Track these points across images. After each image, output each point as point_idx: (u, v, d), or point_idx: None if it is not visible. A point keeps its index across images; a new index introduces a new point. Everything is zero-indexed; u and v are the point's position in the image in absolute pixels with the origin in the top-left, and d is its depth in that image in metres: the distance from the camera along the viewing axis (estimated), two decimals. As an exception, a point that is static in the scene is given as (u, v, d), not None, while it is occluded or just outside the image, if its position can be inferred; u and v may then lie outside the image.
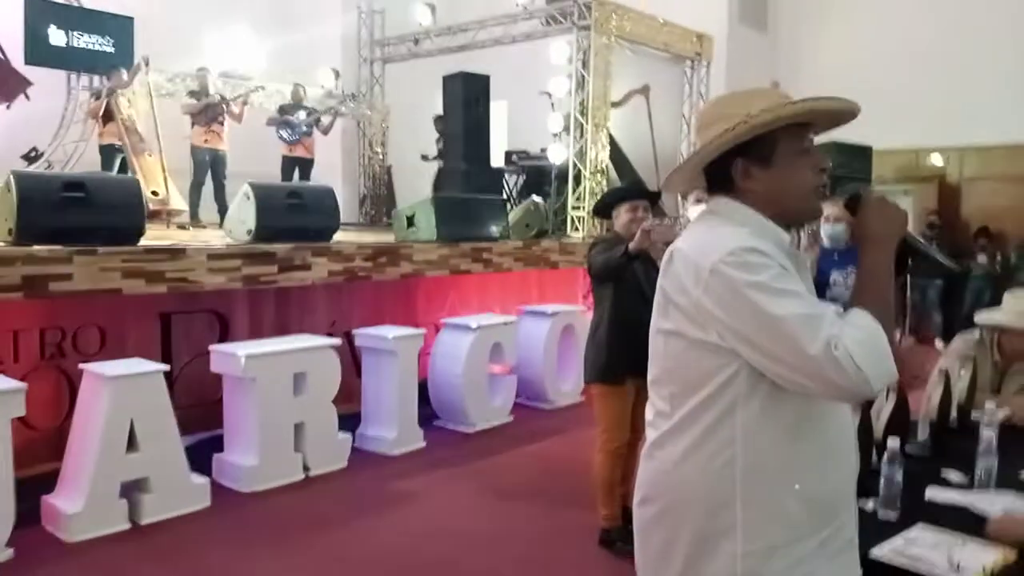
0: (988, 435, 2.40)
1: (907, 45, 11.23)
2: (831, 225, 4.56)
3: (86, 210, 4.45)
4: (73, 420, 4.21)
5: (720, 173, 1.60)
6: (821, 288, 4.36)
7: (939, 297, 10.36)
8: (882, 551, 2.01)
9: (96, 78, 8.86)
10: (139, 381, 4.13)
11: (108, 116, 8.04)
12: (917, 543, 2.06)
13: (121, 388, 4.03)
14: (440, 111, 10.05)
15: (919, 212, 11.06)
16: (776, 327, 1.40)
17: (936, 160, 11.70)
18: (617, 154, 9.98)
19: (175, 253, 4.72)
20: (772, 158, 1.55)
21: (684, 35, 10.61)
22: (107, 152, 8.12)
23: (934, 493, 2.43)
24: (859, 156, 9.76)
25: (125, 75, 8.09)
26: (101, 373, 4.07)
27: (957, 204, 11.53)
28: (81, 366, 4.26)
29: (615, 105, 9.85)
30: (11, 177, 4.41)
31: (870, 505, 2.28)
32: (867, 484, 2.33)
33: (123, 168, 8.02)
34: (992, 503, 2.27)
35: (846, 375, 1.35)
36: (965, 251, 10.61)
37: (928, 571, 1.92)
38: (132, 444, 4.08)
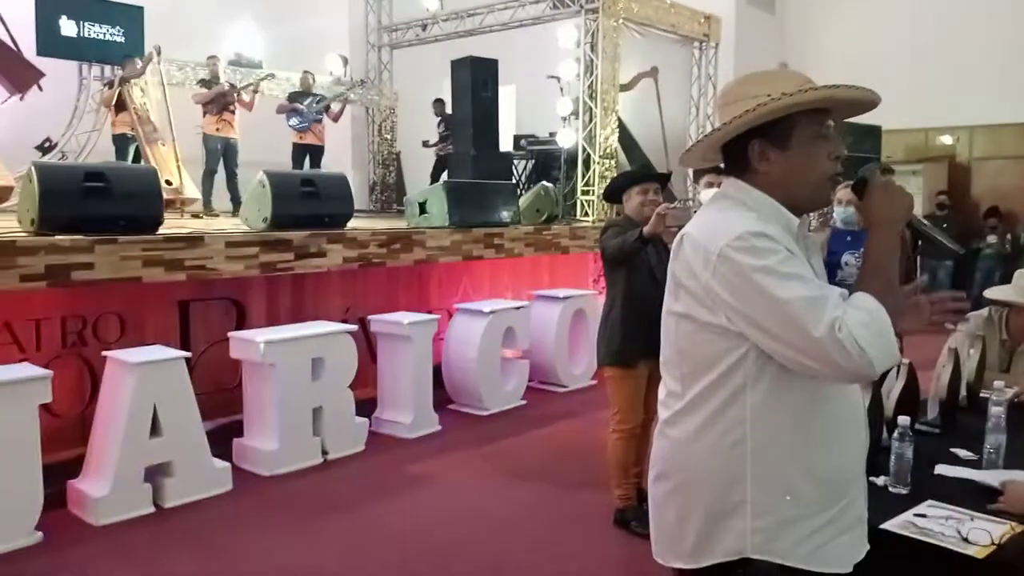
0: (996, 412, 2.45)
1: (916, 24, 11.20)
2: (844, 207, 4.59)
3: (106, 200, 4.53)
4: (97, 406, 4.30)
5: (737, 152, 1.62)
6: (832, 270, 4.39)
7: (949, 278, 10.37)
8: (892, 524, 2.07)
9: (108, 68, 8.91)
10: (162, 367, 4.21)
11: (121, 106, 8.12)
12: (927, 517, 2.12)
13: (144, 374, 4.11)
14: (439, 95, 10.08)
15: (929, 192, 11.06)
16: (782, 310, 1.43)
17: (946, 140, 11.68)
18: (626, 137, 10.01)
19: (193, 241, 4.79)
20: (789, 141, 1.57)
21: (692, 16, 10.60)
22: (120, 141, 8.20)
23: (944, 469, 2.48)
24: (868, 136, 9.79)
25: (138, 64, 8.15)
26: (125, 360, 4.15)
27: (967, 184, 11.52)
28: (105, 353, 4.35)
29: (624, 88, 9.87)
30: (33, 168, 4.48)
31: (881, 481, 2.34)
32: (878, 460, 2.40)
33: (137, 157, 8.11)
34: (999, 479, 2.33)
35: (850, 356, 1.39)
36: (975, 231, 10.62)
37: (938, 542, 1.98)
38: (155, 429, 4.17)
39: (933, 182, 11.22)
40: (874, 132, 9.92)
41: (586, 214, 9.23)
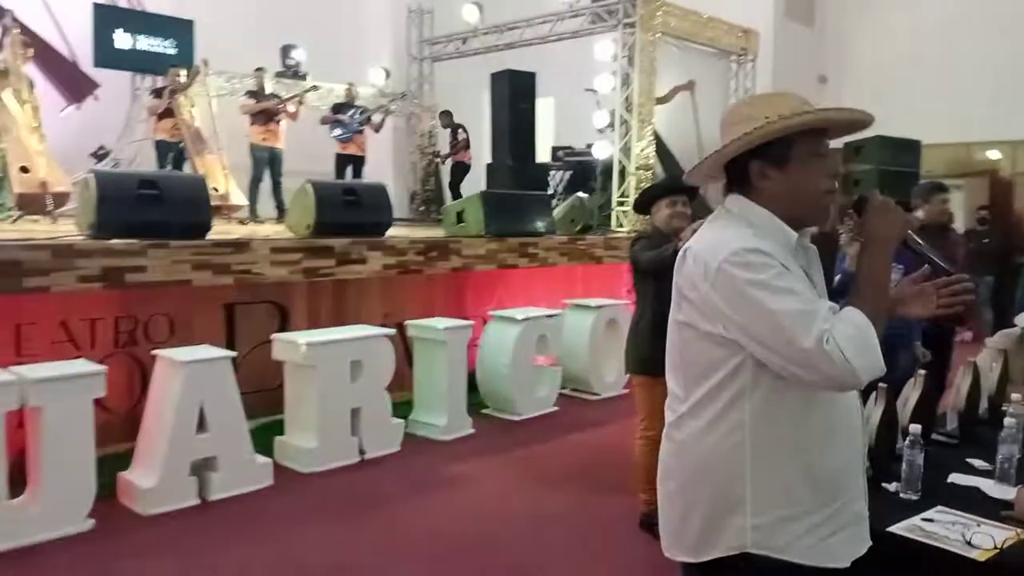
0: (1010, 423, 2.52)
1: (957, 37, 11.12)
2: None
3: (158, 206, 4.77)
4: (147, 402, 4.51)
5: (739, 171, 1.71)
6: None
7: (990, 294, 10.27)
8: (899, 527, 2.16)
9: (158, 79, 9.26)
10: (209, 366, 4.41)
11: (165, 113, 8.35)
12: (934, 522, 2.20)
13: (192, 373, 4.32)
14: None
15: (970, 207, 10.95)
16: (773, 321, 1.53)
17: (992, 155, 11.56)
18: (662, 150, 10.10)
19: (240, 247, 5.01)
20: (787, 160, 1.66)
21: (730, 30, 10.67)
22: (161, 147, 8.42)
23: (956, 478, 2.56)
24: (907, 150, 9.73)
25: (182, 76, 8.39)
26: (174, 359, 4.36)
27: (1010, 199, 11.39)
28: (155, 352, 4.56)
29: (660, 101, 9.97)
30: (91, 176, 4.74)
31: (893, 487, 2.43)
32: (892, 467, 2.49)
33: (176, 163, 8.36)
34: (1009, 492, 2.39)
35: (835, 367, 1.49)
36: (1018, 246, 10.49)
37: (941, 546, 2.06)
38: (202, 425, 4.37)
39: (974, 197, 11.11)
40: (913, 146, 9.87)
41: (621, 225, 9.33)
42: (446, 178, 11.16)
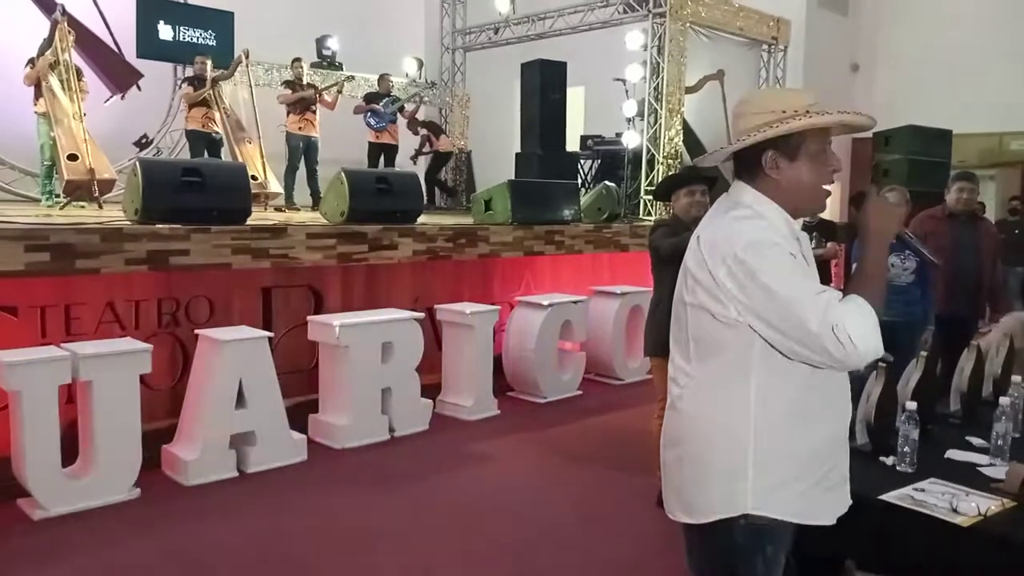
0: (1004, 402, 2.64)
1: (990, 26, 11.02)
2: None
3: (201, 193, 5.00)
4: (189, 379, 4.75)
5: (751, 160, 1.85)
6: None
7: (1020, 285, 10.21)
8: (891, 496, 2.30)
9: (188, 68, 9.44)
10: (248, 345, 4.64)
11: (198, 103, 8.47)
12: (925, 492, 2.34)
13: (232, 351, 4.55)
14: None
15: (1002, 198, 10.88)
16: (785, 307, 1.68)
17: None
18: (691, 139, 10.17)
19: (278, 232, 5.22)
20: (798, 154, 1.80)
21: (760, 19, 10.68)
22: (193, 137, 8.54)
23: (953, 454, 2.69)
24: (938, 140, 9.71)
25: (208, 65, 8.45)
26: (215, 338, 4.59)
27: (1042, 189, 11.29)
28: (197, 331, 4.80)
29: (689, 90, 10.03)
30: (137, 164, 4.98)
31: (890, 460, 2.57)
32: (890, 442, 2.62)
33: (213, 151, 8.53)
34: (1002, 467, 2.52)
35: (841, 348, 1.63)
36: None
37: (928, 512, 2.20)
38: (240, 401, 4.59)
39: (1006, 187, 11.04)
40: (945, 136, 9.83)
41: (649, 213, 9.44)
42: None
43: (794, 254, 1.74)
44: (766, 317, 1.71)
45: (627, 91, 9.96)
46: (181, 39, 9.49)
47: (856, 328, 1.63)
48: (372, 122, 9.72)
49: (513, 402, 6.30)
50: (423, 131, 10.64)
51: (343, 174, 5.86)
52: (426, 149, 10.83)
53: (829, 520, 1.87)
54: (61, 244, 4.35)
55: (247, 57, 8.53)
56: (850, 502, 1.93)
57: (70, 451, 4.17)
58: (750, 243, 1.72)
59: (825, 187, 1.85)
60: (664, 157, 9.42)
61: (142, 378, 4.36)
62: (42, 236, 4.31)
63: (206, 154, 8.39)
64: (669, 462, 1.96)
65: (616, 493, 4.46)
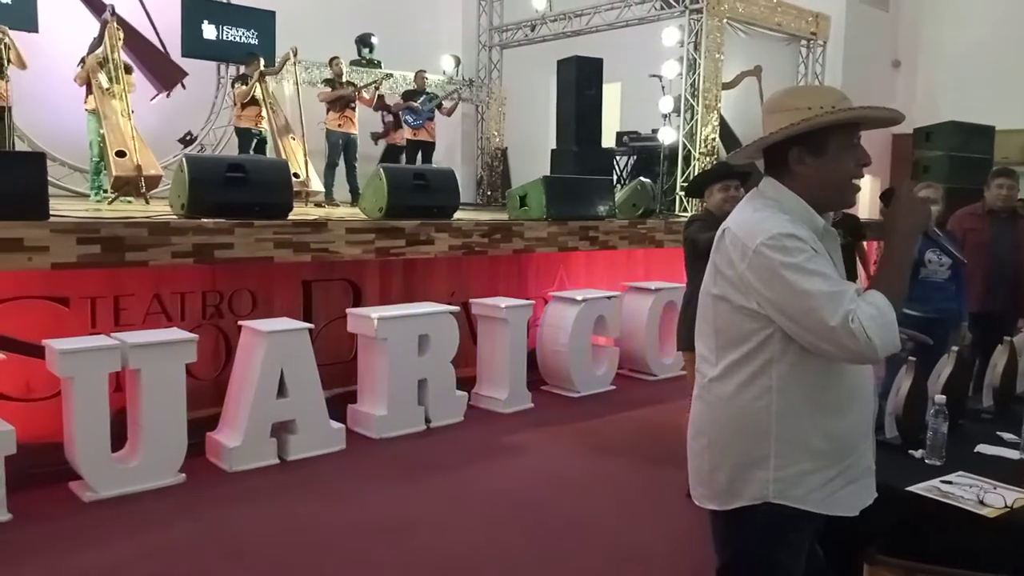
0: (1035, 397, 2.65)
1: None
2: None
3: (245, 188, 5.14)
4: (233, 368, 4.90)
5: (779, 155, 1.89)
6: (916, 267, 4.54)
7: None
8: (919, 487, 2.33)
9: (241, 67, 9.68)
10: (289, 336, 4.77)
11: (249, 102, 8.66)
12: (953, 484, 2.37)
13: (275, 342, 4.68)
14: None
15: (1047, 195, 10.67)
16: (805, 301, 1.72)
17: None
18: (728, 135, 10.13)
19: (318, 227, 5.34)
20: (825, 150, 1.83)
21: (799, 15, 10.60)
22: (243, 135, 8.76)
23: (983, 448, 2.70)
24: (980, 136, 9.58)
25: (262, 62, 8.71)
26: (258, 328, 4.73)
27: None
28: (240, 322, 4.94)
29: (726, 86, 9.99)
30: (184, 160, 5.13)
31: (919, 453, 2.59)
32: (919, 436, 2.65)
33: (259, 149, 8.71)
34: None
35: (858, 343, 1.67)
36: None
37: (955, 504, 2.23)
38: (282, 391, 4.73)
39: (1051, 184, 10.81)
40: (987, 133, 9.69)
41: (684, 209, 9.43)
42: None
43: (816, 249, 1.77)
44: (785, 310, 1.75)
45: (663, 87, 9.95)
46: (224, 38, 9.69)
47: (872, 323, 1.67)
48: (409, 119, 9.83)
49: (547, 396, 6.37)
50: (388, 117, 10.12)
51: (382, 171, 5.97)
52: (383, 136, 10.26)
53: (852, 512, 1.90)
54: (111, 237, 4.51)
55: (295, 55, 8.67)
56: (875, 495, 1.96)
57: (119, 437, 4.33)
58: (772, 237, 1.76)
59: (854, 182, 1.88)
60: (700, 153, 9.40)
61: (187, 368, 4.50)
62: (93, 229, 4.47)
63: (252, 152, 8.59)
64: (695, 450, 2.01)
65: (649, 486, 4.51)
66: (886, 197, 1.89)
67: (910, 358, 2.75)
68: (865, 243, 6.14)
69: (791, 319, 1.75)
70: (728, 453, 1.90)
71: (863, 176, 1.90)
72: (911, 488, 2.33)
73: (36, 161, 4.50)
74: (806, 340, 1.75)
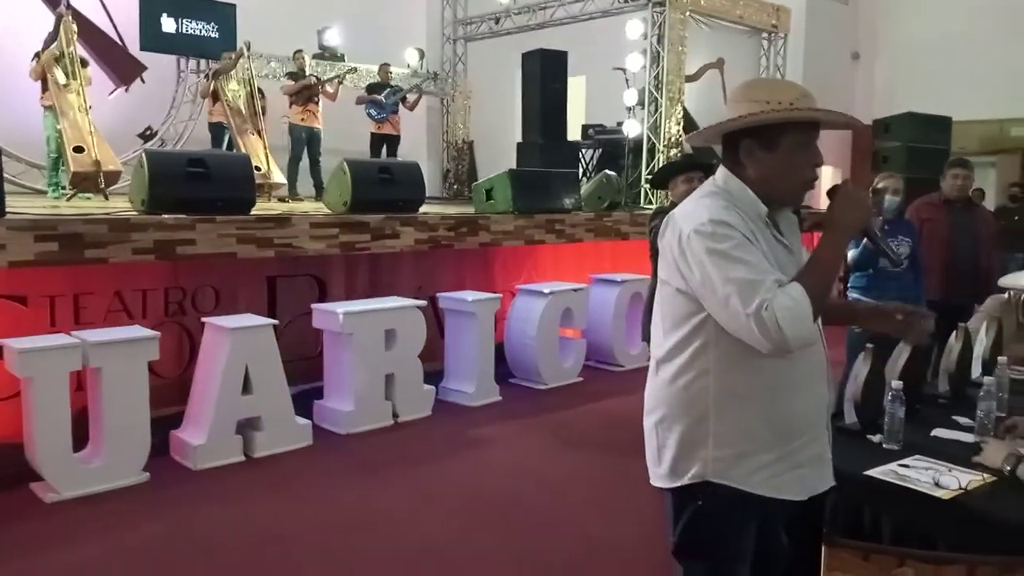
0: (988, 381, 2.72)
1: (990, 13, 11.02)
2: (890, 196, 4.80)
3: (206, 183, 5.08)
4: (196, 365, 4.85)
5: (732, 146, 1.91)
6: (874, 257, 4.61)
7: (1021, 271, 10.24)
8: (876, 471, 2.38)
9: (203, 61, 9.58)
10: (254, 333, 4.73)
11: (216, 97, 8.69)
12: (909, 467, 2.41)
13: (239, 338, 4.64)
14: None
15: (1003, 184, 10.92)
16: (724, 287, 1.74)
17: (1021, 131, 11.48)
18: (692, 127, 10.20)
19: (282, 222, 5.30)
20: (776, 146, 1.84)
21: (761, 8, 10.71)
22: (216, 130, 8.77)
23: (939, 432, 2.76)
24: (937, 127, 9.75)
25: (230, 59, 8.71)
26: (221, 325, 4.69)
27: (1042, 176, 11.31)
28: (204, 319, 4.89)
29: (690, 79, 10.08)
30: (143, 155, 5.06)
31: (877, 438, 2.65)
32: (877, 421, 2.70)
33: (231, 144, 8.67)
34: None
35: (768, 332, 1.69)
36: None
37: (911, 487, 2.28)
38: (247, 387, 4.69)
39: (1006, 174, 11.07)
40: (944, 124, 9.87)
41: (650, 202, 9.50)
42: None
43: (753, 238, 1.79)
44: (707, 295, 1.79)
45: (627, 80, 10.00)
46: (184, 31, 9.55)
47: (786, 314, 1.68)
48: (373, 113, 9.78)
49: (514, 388, 6.39)
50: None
51: (345, 164, 5.93)
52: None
53: (799, 496, 1.92)
54: (69, 234, 4.43)
55: (248, 49, 8.60)
56: (831, 483, 1.99)
57: (80, 437, 4.26)
58: (703, 223, 1.79)
59: (805, 180, 1.88)
60: (665, 146, 9.48)
61: (150, 366, 4.45)
62: (51, 227, 4.39)
63: (225, 147, 8.52)
64: (647, 429, 2.04)
65: (618, 477, 4.52)
66: (831, 193, 1.90)
67: (867, 346, 2.80)
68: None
69: (713, 303, 1.79)
70: (671, 433, 1.94)
71: (815, 176, 1.90)
72: (869, 472, 2.37)
73: (-11, 158, 4.40)
74: (726, 325, 1.78)
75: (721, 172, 1.95)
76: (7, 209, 4.41)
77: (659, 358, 1.98)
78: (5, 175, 4.65)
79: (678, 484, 1.94)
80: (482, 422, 5.54)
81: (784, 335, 1.69)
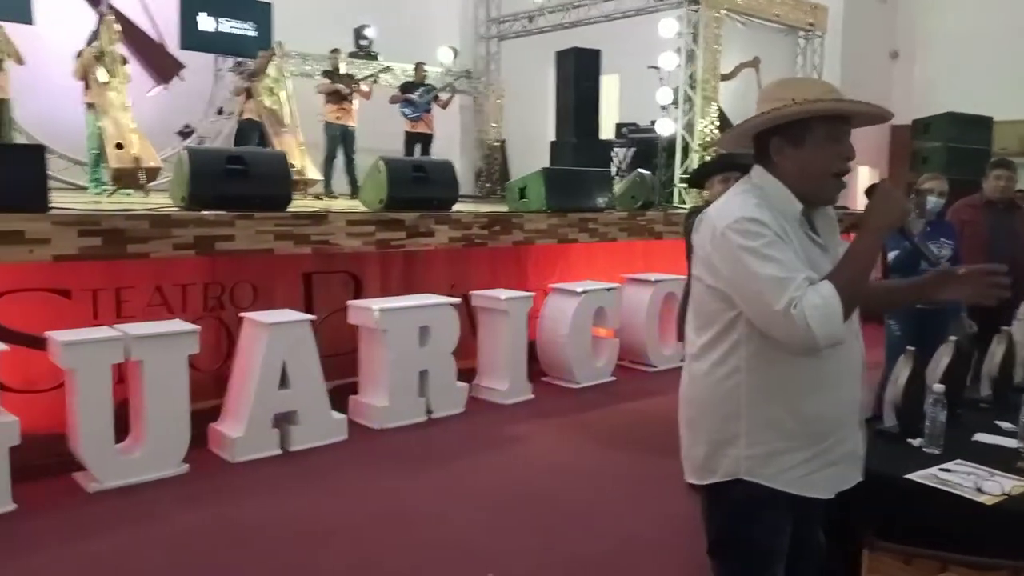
0: (1031, 386, 2.68)
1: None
2: (934, 199, 4.75)
3: (244, 180, 5.15)
4: (235, 359, 4.92)
5: (762, 144, 1.91)
6: (916, 259, 4.55)
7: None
8: (917, 475, 2.36)
9: (247, 61, 9.66)
10: (291, 328, 4.80)
11: (249, 95, 8.81)
12: (951, 472, 2.39)
13: (277, 333, 4.70)
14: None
15: (1045, 186, 10.69)
16: (754, 284, 1.75)
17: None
18: (726, 126, 10.12)
19: (319, 219, 5.36)
20: (804, 141, 1.84)
21: (797, 6, 10.59)
22: (248, 126, 8.89)
23: (981, 437, 2.73)
24: (978, 127, 9.61)
25: (263, 58, 8.79)
26: (260, 320, 4.76)
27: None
28: (242, 314, 4.96)
29: (725, 78, 9.99)
30: (184, 152, 5.14)
31: (917, 442, 2.62)
32: (918, 425, 2.68)
33: (261, 141, 8.77)
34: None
35: (797, 330, 1.70)
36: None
37: (953, 491, 2.26)
38: (284, 382, 4.75)
39: (1049, 175, 10.84)
40: (985, 123, 9.71)
41: (683, 201, 9.45)
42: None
43: (781, 235, 1.79)
44: (739, 291, 1.80)
45: (661, 79, 9.94)
46: (222, 30, 9.69)
47: (815, 312, 1.69)
48: (407, 112, 9.84)
49: (547, 387, 6.40)
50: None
51: (381, 163, 5.98)
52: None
53: (826, 494, 1.92)
54: (112, 229, 4.52)
55: (281, 48, 8.70)
56: (859, 478, 1.98)
57: (121, 428, 4.35)
58: (736, 220, 1.79)
59: (836, 175, 1.87)
60: (699, 145, 9.41)
61: (188, 360, 4.52)
62: (94, 222, 4.48)
63: (257, 145, 8.63)
64: (681, 426, 2.06)
65: (651, 475, 4.53)
66: (869, 192, 1.90)
67: (908, 348, 2.78)
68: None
69: (744, 300, 1.80)
70: (704, 430, 1.96)
71: (846, 170, 1.89)
72: (909, 476, 2.35)
73: (35, 153, 4.51)
74: (757, 322, 1.79)
75: (756, 170, 1.95)
76: (50, 204, 4.50)
77: (692, 355, 1.99)
78: (48, 171, 4.75)
79: (711, 481, 1.95)
80: (515, 419, 5.56)
81: (813, 333, 1.70)
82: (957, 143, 9.33)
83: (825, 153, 1.85)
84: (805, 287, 1.72)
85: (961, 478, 2.34)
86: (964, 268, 1.89)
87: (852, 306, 1.75)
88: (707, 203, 4.30)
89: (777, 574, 1.97)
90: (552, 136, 10.46)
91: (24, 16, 8.08)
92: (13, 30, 7.40)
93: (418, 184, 6.07)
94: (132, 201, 6.77)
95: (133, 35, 9.17)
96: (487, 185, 12.72)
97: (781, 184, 1.88)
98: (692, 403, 2.00)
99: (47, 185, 4.49)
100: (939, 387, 2.57)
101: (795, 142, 1.86)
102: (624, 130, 11.30)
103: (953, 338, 2.96)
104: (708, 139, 9.48)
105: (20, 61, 7.28)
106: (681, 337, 4.33)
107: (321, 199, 8.60)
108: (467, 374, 5.96)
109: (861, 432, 1.99)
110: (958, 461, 2.48)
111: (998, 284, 1.82)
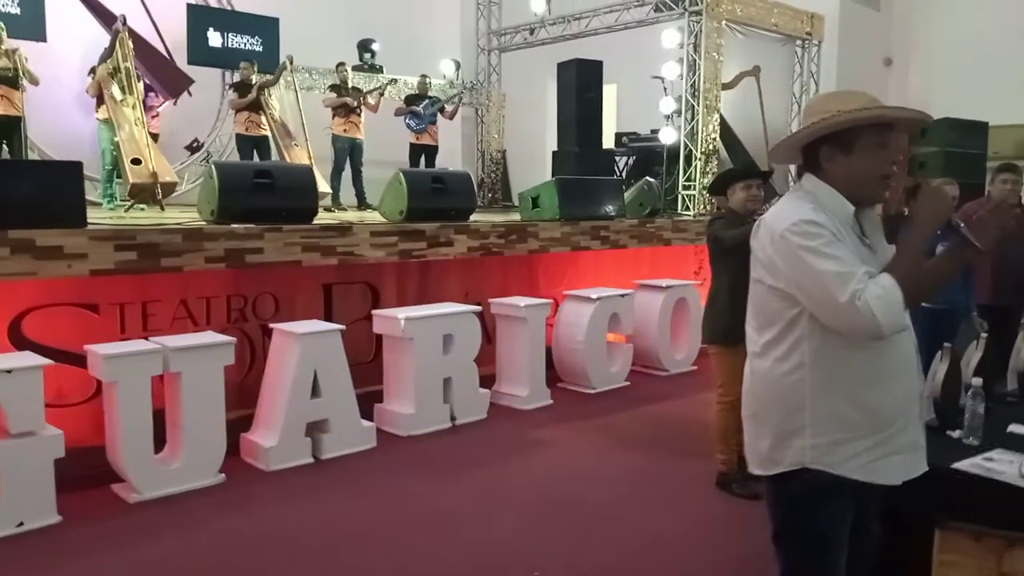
0: (1062, 380, 2.80)
1: (1026, 18, 11.00)
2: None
3: (272, 194, 5.25)
4: (266, 369, 4.98)
5: (812, 154, 2.06)
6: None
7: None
8: (963, 464, 2.48)
9: (235, 74, 9.69)
10: (322, 338, 4.88)
11: (252, 107, 8.80)
12: (994, 460, 2.51)
13: (308, 343, 4.78)
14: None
15: (1039, 188, 10.88)
16: (818, 280, 1.89)
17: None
18: (728, 135, 10.29)
19: (344, 231, 5.45)
20: (852, 148, 1.99)
21: (795, 15, 10.77)
22: (240, 140, 8.89)
23: (1015, 428, 2.85)
24: (974, 132, 9.75)
25: (255, 70, 8.81)
26: (291, 331, 4.84)
27: (1082, 180, 11.25)
28: (272, 325, 5.04)
29: (726, 87, 10.15)
30: (213, 167, 5.23)
31: (956, 434, 2.74)
32: (956, 418, 2.79)
33: (260, 154, 8.82)
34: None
35: (863, 320, 1.83)
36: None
37: (998, 478, 2.37)
38: (315, 391, 4.84)
39: (1044, 178, 11.02)
40: (981, 128, 9.87)
41: (687, 208, 9.58)
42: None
43: (837, 235, 1.92)
44: (803, 289, 1.93)
45: (665, 88, 10.09)
46: (229, 45, 9.78)
47: (878, 302, 1.82)
48: (412, 124, 9.93)
49: (564, 392, 6.49)
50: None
51: (401, 175, 6.09)
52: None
53: (894, 481, 2.03)
54: (147, 244, 4.60)
55: (291, 63, 8.80)
56: (925, 468, 2.09)
57: (157, 440, 4.41)
58: (795, 223, 1.94)
59: (884, 177, 2.01)
60: (701, 153, 9.56)
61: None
62: (130, 236, 4.57)
63: (255, 156, 8.68)
64: (746, 420, 2.18)
65: (671, 478, 4.63)
66: (913, 192, 2.03)
67: (945, 345, 2.90)
68: None
69: (808, 297, 1.93)
70: (768, 423, 2.08)
71: (893, 172, 2.03)
72: (956, 465, 2.47)
73: (74, 169, 4.58)
74: (822, 317, 1.92)
75: (807, 178, 2.08)
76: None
77: (754, 353, 2.11)
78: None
79: (776, 471, 2.06)
80: (537, 425, 5.65)
81: (878, 321, 1.82)
82: (954, 148, 9.47)
83: (873, 157, 2.00)
84: (866, 280, 1.85)
85: (1005, 466, 2.46)
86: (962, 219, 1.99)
87: (910, 296, 1.87)
88: (729, 210, 4.42)
89: (839, 562, 2.07)
90: (552, 146, 10.55)
91: (39, 34, 8.17)
92: (24, 46, 7.45)
93: (437, 195, 6.18)
94: (153, 215, 6.84)
95: (143, 50, 9.22)
96: (489, 195, 12.83)
97: (833, 189, 2.02)
98: (756, 398, 2.12)
99: (84, 201, 4.56)
100: (977, 380, 2.69)
101: (845, 149, 2.00)
102: (624, 139, 11.42)
103: (984, 335, 3.08)
104: (711, 147, 9.63)
105: (35, 82, 7.36)
106: (705, 340, 4.45)
107: (331, 211, 8.68)
108: (484, 381, 6.04)
109: (921, 423, 2.10)
110: (999, 450, 2.59)
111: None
